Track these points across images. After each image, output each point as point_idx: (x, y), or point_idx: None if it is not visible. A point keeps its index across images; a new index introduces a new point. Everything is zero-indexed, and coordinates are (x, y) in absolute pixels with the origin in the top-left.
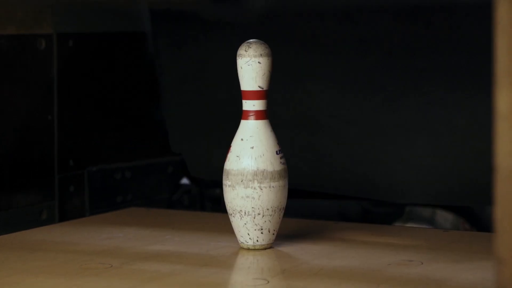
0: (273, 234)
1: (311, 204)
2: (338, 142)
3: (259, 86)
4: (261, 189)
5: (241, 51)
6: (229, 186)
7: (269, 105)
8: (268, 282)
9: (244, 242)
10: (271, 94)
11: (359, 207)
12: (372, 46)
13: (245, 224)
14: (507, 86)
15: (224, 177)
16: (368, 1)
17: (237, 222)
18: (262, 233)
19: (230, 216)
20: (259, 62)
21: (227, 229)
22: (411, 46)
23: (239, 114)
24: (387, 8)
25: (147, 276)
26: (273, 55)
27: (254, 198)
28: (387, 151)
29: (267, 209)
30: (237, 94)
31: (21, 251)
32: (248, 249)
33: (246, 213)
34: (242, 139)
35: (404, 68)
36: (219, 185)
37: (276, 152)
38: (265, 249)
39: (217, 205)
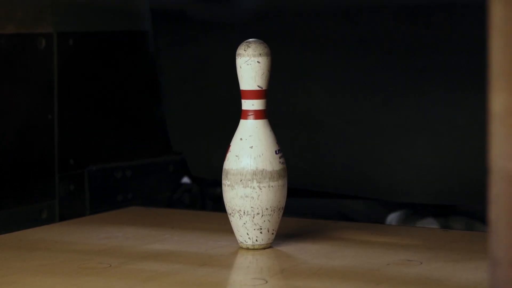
0: (272, 233)
1: (311, 203)
2: (338, 141)
3: (258, 86)
4: (260, 189)
5: (240, 50)
6: (228, 185)
7: (268, 104)
8: (267, 282)
9: (243, 241)
10: (271, 93)
11: (359, 207)
12: (372, 45)
13: (244, 223)
14: (502, 87)
15: (223, 176)
16: (368, 1)
17: (236, 221)
18: (261, 232)
19: (229, 216)
20: (258, 62)
21: (227, 229)
22: (411, 46)
23: (240, 114)
24: (387, 7)
25: (145, 276)
26: (273, 54)
27: (253, 198)
28: (387, 151)
29: (266, 209)
30: (237, 94)
31: (20, 250)
32: (247, 248)
33: (245, 212)
34: (241, 139)
35: (404, 67)
36: (220, 184)
37: (275, 151)
38: (264, 248)
39: (218, 204)
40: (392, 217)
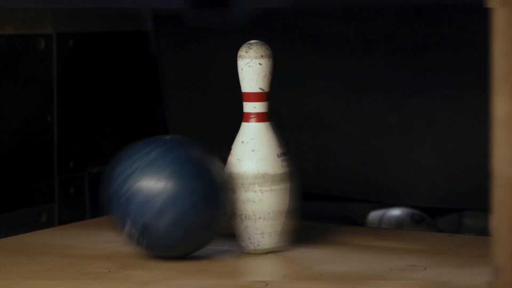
0: (274, 238)
1: (314, 206)
2: (343, 143)
3: (260, 88)
4: (262, 193)
5: (242, 52)
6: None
7: (271, 106)
8: (267, 285)
9: (245, 246)
10: (276, 94)
11: (363, 210)
12: (376, 46)
13: (246, 228)
14: (505, 92)
15: None
16: (371, 0)
17: (238, 226)
18: (263, 237)
19: (231, 220)
20: (260, 64)
21: (228, 233)
22: (416, 45)
23: (242, 114)
24: (391, 6)
25: (145, 281)
26: (277, 55)
27: (254, 202)
28: (392, 153)
29: (268, 213)
30: (239, 94)
31: (18, 254)
32: (249, 253)
33: (247, 217)
34: (242, 142)
35: (409, 67)
36: None
37: (278, 155)
38: (266, 253)
39: None
40: (375, 216)
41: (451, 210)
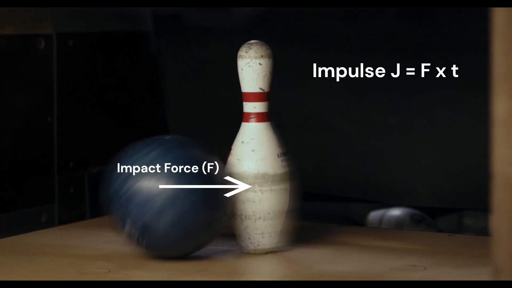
0: (275, 238)
1: (314, 206)
2: (343, 143)
3: (260, 88)
4: (262, 193)
5: (242, 52)
6: None
7: (271, 106)
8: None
9: (245, 246)
10: (276, 94)
11: (363, 210)
12: (377, 45)
13: (246, 228)
14: (505, 92)
15: None
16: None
17: (237, 226)
18: (263, 237)
19: (231, 220)
20: (260, 64)
21: (228, 233)
22: (416, 45)
23: (242, 114)
24: (391, 6)
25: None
26: (277, 55)
27: (254, 202)
28: (392, 153)
29: (268, 213)
30: (240, 94)
31: (18, 254)
32: (249, 253)
33: (247, 217)
34: (242, 142)
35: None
36: None
37: (278, 155)
38: (266, 253)
39: None
40: (375, 216)
41: (451, 210)
